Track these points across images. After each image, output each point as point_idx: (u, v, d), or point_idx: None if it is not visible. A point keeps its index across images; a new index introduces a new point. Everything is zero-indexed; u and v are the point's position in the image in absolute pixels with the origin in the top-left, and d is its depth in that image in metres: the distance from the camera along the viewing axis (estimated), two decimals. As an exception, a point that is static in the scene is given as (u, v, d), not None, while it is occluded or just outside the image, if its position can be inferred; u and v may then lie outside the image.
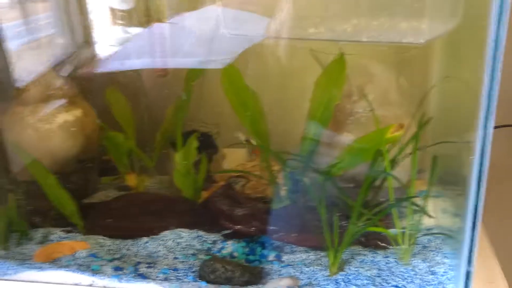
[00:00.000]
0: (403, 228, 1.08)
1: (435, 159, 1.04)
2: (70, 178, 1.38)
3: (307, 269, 1.10)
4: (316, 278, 1.07)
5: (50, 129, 1.30)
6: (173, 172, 1.29)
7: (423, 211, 1.06)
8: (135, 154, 1.34)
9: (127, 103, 1.41)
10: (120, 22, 1.70)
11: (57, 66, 1.60)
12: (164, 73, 1.37)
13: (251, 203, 1.26)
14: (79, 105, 1.37)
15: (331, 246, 1.04)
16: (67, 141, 1.33)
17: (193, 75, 1.28)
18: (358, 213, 1.04)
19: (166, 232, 1.24)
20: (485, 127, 0.81)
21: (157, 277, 1.10)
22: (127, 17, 1.71)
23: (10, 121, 1.31)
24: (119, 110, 1.39)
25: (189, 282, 1.09)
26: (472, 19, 0.86)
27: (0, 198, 1.26)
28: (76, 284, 1.10)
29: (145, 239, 1.24)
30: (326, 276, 1.06)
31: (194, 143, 1.19)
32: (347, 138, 1.21)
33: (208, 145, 1.40)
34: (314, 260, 1.15)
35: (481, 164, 0.87)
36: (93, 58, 1.74)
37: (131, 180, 1.33)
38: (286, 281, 1.07)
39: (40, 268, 1.12)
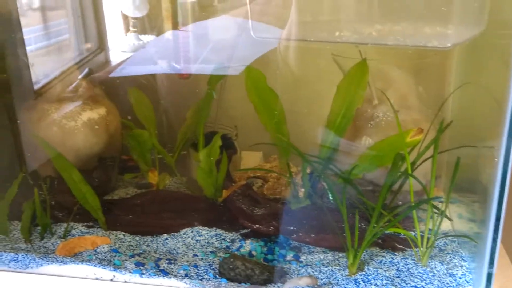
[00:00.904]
0: (421, 231, 1.10)
1: (457, 161, 1.05)
2: (92, 175, 1.41)
3: (325, 269, 1.12)
4: (335, 278, 1.08)
5: (75, 126, 1.33)
6: (196, 170, 1.31)
7: (442, 214, 1.07)
8: (158, 152, 1.36)
9: (149, 102, 1.44)
10: (133, 29, 1.77)
11: (74, 68, 1.65)
12: (186, 75, 1.40)
13: (270, 203, 1.28)
14: (103, 103, 1.40)
15: (351, 246, 1.06)
16: (91, 138, 1.36)
17: (216, 79, 1.30)
18: (378, 215, 1.06)
19: (186, 230, 1.26)
20: (510, 133, 0.83)
21: (177, 273, 1.12)
22: (140, 25, 1.77)
23: (36, 117, 1.35)
24: (141, 109, 1.41)
25: (209, 279, 1.11)
26: (497, 26, 0.88)
27: (24, 192, 1.29)
28: (97, 279, 1.12)
29: (165, 235, 1.26)
30: (345, 276, 1.07)
31: (218, 142, 1.21)
32: (366, 141, 1.23)
33: (227, 146, 1.42)
34: (332, 260, 1.16)
35: (504, 170, 0.88)
36: (107, 62, 1.79)
37: (153, 177, 1.35)
38: (305, 280, 1.09)
39: (62, 262, 1.15)
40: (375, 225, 1.07)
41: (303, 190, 1.33)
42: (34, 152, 1.43)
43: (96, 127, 1.36)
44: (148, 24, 1.81)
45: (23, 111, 1.39)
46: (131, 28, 1.78)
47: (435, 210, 1.11)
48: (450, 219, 1.12)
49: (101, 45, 1.79)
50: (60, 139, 1.34)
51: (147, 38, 1.79)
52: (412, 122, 1.21)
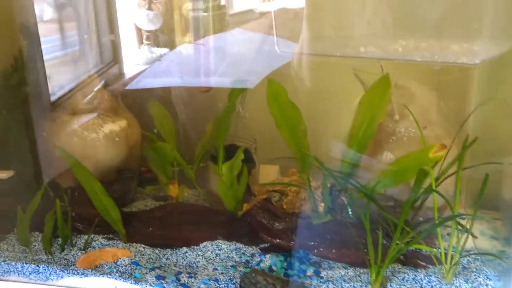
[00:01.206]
0: (444, 247, 1.09)
1: (486, 178, 1.04)
2: (112, 187, 1.42)
3: (347, 285, 1.10)
4: (358, 294, 1.07)
5: (96, 138, 1.35)
6: (215, 183, 1.32)
7: (468, 232, 1.06)
8: (179, 164, 1.36)
9: (169, 116, 1.45)
10: (146, 42, 1.79)
11: (90, 80, 1.67)
12: (207, 89, 1.41)
13: (290, 217, 1.27)
14: (124, 116, 1.42)
15: (374, 262, 1.05)
16: (111, 150, 1.37)
17: (237, 92, 1.31)
18: (401, 231, 1.05)
19: (206, 243, 1.26)
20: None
21: (198, 287, 1.11)
22: (153, 38, 1.79)
23: (57, 129, 1.36)
24: (161, 122, 1.42)
25: (230, 293, 1.10)
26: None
27: (43, 203, 1.30)
28: (117, 291, 1.13)
29: (184, 249, 1.26)
30: (368, 292, 1.07)
31: (241, 155, 1.21)
32: (387, 157, 1.23)
33: (247, 160, 1.42)
34: (354, 276, 1.15)
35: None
36: (121, 75, 1.81)
37: (174, 190, 1.36)
38: (327, 296, 1.08)
39: (83, 275, 1.15)
40: (398, 242, 1.07)
41: (322, 204, 1.33)
42: (54, 163, 1.44)
43: (117, 139, 1.38)
44: (161, 37, 1.84)
45: (44, 122, 1.41)
46: (144, 41, 1.81)
47: (460, 227, 1.09)
48: (475, 237, 1.11)
49: (115, 58, 1.82)
50: (80, 150, 1.35)
51: (160, 51, 1.82)
52: (434, 138, 1.21)
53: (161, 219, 1.29)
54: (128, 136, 1.39)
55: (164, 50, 1.81)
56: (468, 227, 1.11)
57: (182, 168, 1.37)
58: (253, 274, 1.11)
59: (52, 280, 1.17)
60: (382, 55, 0.97)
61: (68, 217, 1.25)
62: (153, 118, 1.44)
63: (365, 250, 1.18)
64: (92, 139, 1.34)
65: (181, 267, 1.22)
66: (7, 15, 1.43)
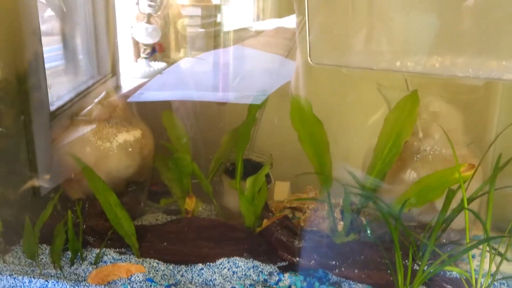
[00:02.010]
0: (466, 270, 1.06)
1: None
2: (121, 199, 1.36)
3: (367, 306, 1.07)
4: (384, 317, 1.04)
5: (110, 147, 1.30)
6: (228, 198, 1.28)
7: (503, 256, 1.03)
8: (196, 177, 1.32)
9: (183, 127, 1.41)
10: (144, 55, 1.77)
11: (88, 92, 1.63)
12: (223, 103, 1.39)
13: (309, 235, 1.24)
14: (138, 126, 1.37)
15: (403, 285, 1.01)
16: (124, 161, 1.32)
17: (256, 106, 1.28)
18: (430, 253, 1.02)
19: (222, 260, 1.21)
20: None
21: (217, 306, 1.07)
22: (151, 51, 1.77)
23: (70, 138, 1.31)
24: (174, 133, 1.38)
25: (250, 314, 1.06)
26: None
27: (54, 215, 1.25)
28: (132, 309, 1.07)
29: (200, 265, 1.21)
30: (397, 316, 1.03)
31: (266, 170, 1.18)
32: (411, 175, 1.20)
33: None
34: (374, 298, 1.12)
35: None
36: (118, 87, 1.78)
37: (190, 203, 1.31)
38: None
39: (95, 291, 1.10)
40: (426, 264, 1.04)
41: (342, 223, 1.30)
42: (62, 174, 1.39)
43: (130, 149, 1.33)
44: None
45: (55, 130, 1.37)
46: (142, 55, 1.79)
47: (493, 251, 1.07)
48: (509, 261, 1.08)
49: (113, 70, 1.77)
50: (92, 159, 1.31)
51: (158, 65, 1.80)
52: (460, 157, 1.19)
53: (176, 233, 1.24)
54: (142, 147, 1.35)
55: (162, 64, 1.79)
56: (496, 250, 1.09)
57: (199, 181, 1.33)
58: (275, 294, 1.07)
59: (62, 296, 1.12)
60: (420, 70, 0.95)
61: (80, 229, 1.20)
62: (167, 129, 1.40)
63: (388, 271, 1.15)
64: (105, 148, 1.30)
65: (197, 284, 1.17)
66: (20, 19, 1.40)
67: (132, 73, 1.78)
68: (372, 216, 1.27)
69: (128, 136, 1.32)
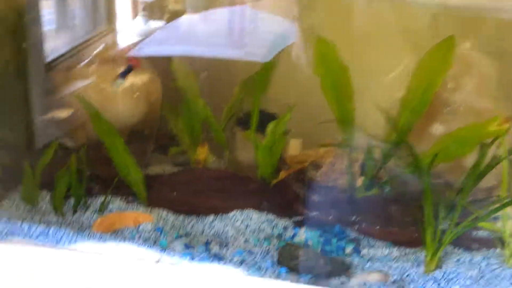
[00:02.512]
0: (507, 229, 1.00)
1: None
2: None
3: (395, 264, 1.01)
4: (409, 275, 0.97)
5: (115, 91, 1.21)
6: (241, 149, 1.20)
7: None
8: (210, 125, 1.24)
9: (193, 74, 1.32)
10: (142, 13, 1.65)
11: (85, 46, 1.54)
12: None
13: (327, 190, 1.17)
14: (145, 70, 1.28)
15: (432, 242, 0.95)
16: (130, 106, 1.23)
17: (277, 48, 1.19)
18: (461, 210, 0.96)
19: (235, 212, 1.14)
20: None
21: (232, 259, 1.00)
22: (149, 9, 1.67)
23: (74, 80, 1.22)
24: (184, 80, 1.29)
25: (267, 267, 1.00)
26: None
27: (57, 161, 1.17)
28: (140, 259, 1.00)
29: (211, 217, 1.14)
30: (421, 273, 0.97)
31: (288, 115, 1.09)
32: (440, 128, 1.13)
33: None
34: (399, 256, 1.06)
35: None
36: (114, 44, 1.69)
37: (202, 153, 1.23)
38: (376, 276, 0.98)
39: (101, 239, 1.02)
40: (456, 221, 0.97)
41: (361, 178, 1.23)
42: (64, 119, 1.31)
43: (137, 94, 1.24)
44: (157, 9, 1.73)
45: (57, 73, 1.27)
46: (140, 12, 1.70)
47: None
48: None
49: (110, 27, 1.68)
50: (97, 104, 1.21)
51: (156, 23, 1.71)
52: (492, 112, 1.11)
53: (187, 184, 1.16)
54: (149, 92, 1.26)
55: (160, 23, 1.71)
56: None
57: (211, 129, 1.24)
58: (294, 248, 1.01)
59: (64, 244, 1.03)
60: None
61: (83, 175, 1.12)
62: (176, 76, 1.30)
63: (412, 228, 1.10)
64: (110, 92, 1.21)
65: (208, 236, 1.10)
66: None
67: (129, 31, 1.69)
68: (394, 172, 1.21)
69: (135, 79, 1.23)
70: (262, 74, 1.20)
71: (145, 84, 1.25)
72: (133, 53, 1.52)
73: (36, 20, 1.36)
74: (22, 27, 1.30)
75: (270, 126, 1.10)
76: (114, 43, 1.69)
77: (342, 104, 1.13)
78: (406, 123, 1.11)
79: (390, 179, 1.17)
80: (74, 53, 1.54)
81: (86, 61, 1.45)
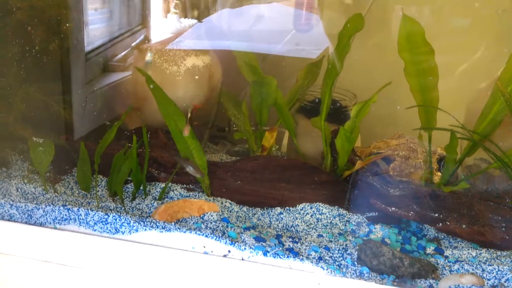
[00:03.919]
0: None
1: None
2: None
3: (489, 267, 0.91)
4: (509, 280, 0.88)
5: (177, 72, 1.13)
6: (302, 138, 1.11)
7: None
8: (278, 109, 1.15)
9: (255, 56, 1.23)
10: (174, 11, 1.61)
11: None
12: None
13: (404, 184, 1.08)
14: (207, 52, 1.20)
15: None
16: (192, 89, 1.16)
17: (351, 30, 1.10)
18: None
19: (304, 205, 1.06)
20: None
21: (308, 255, 0.92)
22: (181, 7, 1.61)
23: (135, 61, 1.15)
24: (250, 64, 1.20)
25: (347, 265, 0.91)
26: None
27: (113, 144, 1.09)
28: (206, 253, 0.91)
29: (278, 209, 1.06)
30: (523, 278, 0.87)
31: (374, 98, 1.00)
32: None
33: (345, 118, 1.21)
34: (491, 258, 0.96)
35: None
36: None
37: (269, 139, 1.14)
38: (470, 279, 0.88)
39: (164, 229, 0.94)
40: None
41: (439, 174, 1.13)
42: (118, 102, 1.24)
43: (198, 76, 1.16)
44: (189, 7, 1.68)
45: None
46: (172, 10, 1.65)
47: None
48: None
49: (144, 23, 1.65)
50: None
51: (188, 21, 1.65)
52: None
53: (252, 172, 1.08)
54: (210, 75, 1.18)
55: (192, 21, 1.65)
56: None
57: (281, 114, 1.14)
58: (378, 245, 0.92)
59: (123, 233, 0.95)
60: None
61: (146, 159, 1.04)
62: (238, 60, 1.22)
63: (503, 228, 1.00)
64: (172, 72, 1.13)
65: (277, 229, 1.02)
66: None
67: (162, 28, 1.64)
68: (475, 168, 1.11)
69: (198, 60, 1.15)
70: (336, 56, 1.10)
71: (207, 67, 1.17)
72: (172, 45, 1.47)
73: (78, 14, 1.34)
74: (66, 21, 1.27)
75: (356, 107, 1.01)
76: (149, 37, 1.66)
77: (425, 91, 1.03)
78: (497, 113, 1.02)
79: (474, 175, 1.08)
80: (110, 46, 1.51)
81: (122, 54, 1.41)
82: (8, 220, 1.00)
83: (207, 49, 1.22)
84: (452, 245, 1.03)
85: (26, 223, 0.99)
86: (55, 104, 1.22)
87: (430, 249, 1.00)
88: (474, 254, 0.98)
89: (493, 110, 1.01)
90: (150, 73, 1.14)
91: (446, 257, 0.98)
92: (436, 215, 1.01)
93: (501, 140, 1.06)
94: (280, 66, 1.38)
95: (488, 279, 0.89)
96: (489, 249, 0.98)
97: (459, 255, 0.98)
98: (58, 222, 0.99)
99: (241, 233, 0.96)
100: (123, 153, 1.04)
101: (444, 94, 1.11)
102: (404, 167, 1.19)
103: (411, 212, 1.02)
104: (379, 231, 1.03)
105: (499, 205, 1.00)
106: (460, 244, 1.02)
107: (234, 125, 1.30)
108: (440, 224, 1.01)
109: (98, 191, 1.08)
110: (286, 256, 0.88)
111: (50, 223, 0.98)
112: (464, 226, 1.00)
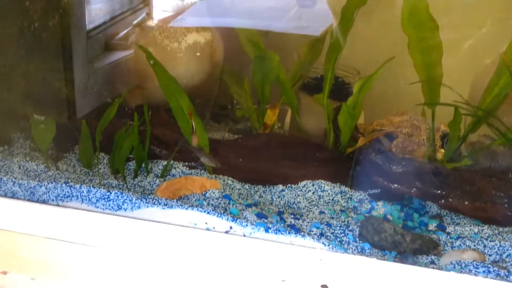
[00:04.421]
0: None
1: None
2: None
3: (491, 243, 0.91)
4: (510, 255, 0.88)
5: (178, 48, 1.12)
6: (305, 115, 1.11)
7: None
8: (281, 85, 1.14)
9: (256, 33, 1.22)
10: None
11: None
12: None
13: (407, 161, 1.07)
14: (208, 28, 1.18)
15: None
16: (193, 66, 1.15)
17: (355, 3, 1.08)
18: None
19: (306, 182, 1.06)
20: None
21: (310, 231, 0.92)
22: None
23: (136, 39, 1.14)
24: (252, 40, 1.18)
25: (349, 241, 0.91)
26: None
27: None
28: (208, 229, 0.92)
29: (280, 186, 1.06)
30: (524, 254, 0.87)
31: (377, 73, 0.99)
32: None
33: (347, 95, 1.20)
34: (493, 235, 0.96)
35: None
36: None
37: (271, 116, 1.14)
38: (471, 254, 0.88)
39: (166, 205, 0.94)
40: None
41: (441, 151, 1.13)
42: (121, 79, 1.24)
43: (199, 53, 1.15)
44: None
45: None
46: None
47: None
48: None
49: (145, 1, 1.60)
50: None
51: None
52: None
53: (253, 150, 1.08)
54: (212, 52, 1.17)
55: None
56: None
57: (284, 91, 1.13)
58: (379, 221, 0.92)
59: (125, 210, 0.96)
60: None
61: (147, 136, 1.04)
62: (239, 35, 1.21)
63: (505, 204, 0.99)
64: (173, 49, 1.12)
65: (279, 206, 1.02)
66: None
67: (163, 6, 1.61)
68: (479, 145, 1.10)
69: (199, 37, 1.14)
70: (339, 30, 1.09)
71: (208, 43, 1.16)
72: (174, 23, 1.45)
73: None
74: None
75: (358, 83, 1.00)
76: (150, 15, 1.64)
77: (429, 67, 1.02)
78: (502, 88, 1.00)
79: (477, 152, 1.07)
80: (111, 24, 1.49)
81: (127, 29, 1.39)
82: (11, 197, 1.01)
83: (208, 26, 1.21)
84: (454, 222, 1.03)
85: (29, 200, 1.00)
86: (57, 82, 1.22)
87: (432, 225, 1.00)
88: (476, 231, 0.98)
89: (498, 85, 1.00)
90: (152, 49, 1.13)
91: (448, 233, 0.98)
92: (439, 191, 1.01)
93: (505, 116, 1.05)
94: (283, 43, 1.36)
95: (490, 255, 0.89)
96: (491, 226, 0.98)
97: (461, 232, 0.98)
98: (61, 199, 0.99)
99: (243, 210, 0.96)
100: (124, 130, 1.04)
101: (450, 70, 1.10)
102: (407, 144, 1.18)
103: (414, 189, 1.02)
104: (381, 208, 1.03)
105: (502, 181, 1.00)
106: (463, 221, 1.03)
107: (237, 103, 1.30)
108: (443, 201, 1.01)
109: (100, 168, 1.08)
110: (287, 232, 0.88)
111: (53, 200, 0.99)
112: (466, 202, 1.00)
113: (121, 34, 1.44)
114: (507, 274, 0.81)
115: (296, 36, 1.29)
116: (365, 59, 1.22)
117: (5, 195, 1.01)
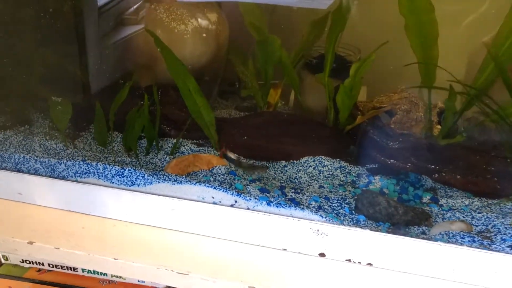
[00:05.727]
0: None
1: None
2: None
3: (478, 215, 0.97)
4: (495, 226, 0.94)
5: (184, 30, 1.17)
6: (307, 94, 1.16)
7: None
8: (284, 67, 1.18)
9: (261, 12, 1.26)
10: None
11: None
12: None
13: (404, 137, 1.12)
14: (214, 10, 1.23)
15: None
16: (200, 47, 1.20)
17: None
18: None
19: (307, 158, 1.12)
20: None
21: (309, 204, 0.99)
22: None
23: (144, 20, 1.19)
24: (257, 22, 1.23)
25: (345, 214, 0.98)
26: None
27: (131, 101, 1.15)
28: (215, 203, 1.00)
29: (283, 162, 1.13)
30: (508, 224, 0.93)
31: (373, 56, 1.04)
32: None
33: (345, 72, 1.25)
34: (482, 207, 1.02)
35: None
36: None
37: (274, 96, 1.19)
38: (459, 225, 0.95)
39: (176, 181, 1.02)
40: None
41: (438, 127, 1.18)
42: (130, 59, 1.29)
43: (205, 34, 1.20)
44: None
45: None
46: None
47: None
48: None
49: None
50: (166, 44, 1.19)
51: None
52: None
53: (258, 128, 1.14)
54: (218, 33, 1.21)
55: None
56: None
57: (286, 71, 1.18)
58: (374, 195, 0.98)
59: (139, 185, 1.04)
60: None
61: (157, 116, 1.11)
62: (243, 14, 1.25)
63: (495, 178, 1.05)
64: (180, 31, 1.17)
65: (281, 181, 1.09)
66: None
67: None
68: (474, 121, 1.15)
69: (204, 19, 1.18)
70: (341, 10, 1.12)
71: (213, 24, 1.20)
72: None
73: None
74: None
75: (354, 66, 1.04)
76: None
77: (426, 48, 1.06)
78: (495, 69, 1.04)
79: (472, 128, 1.12)
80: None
81: (133, 8, 1.42)
82: (34, 174, 1.09)
83: (214, 6, 1.25)
84: (448, 195, 1.09)
85: (50, 176, 1.08)
86: (69, 61, 1.27)
87: (426, 198, 1.07)
88: (466, 203, 1.04)
89: (491, 65, 1.03)
90: (160, 31, 1.18)
91: (441, 205, 1.04)
92: (433, 166, 1.07)
93: (499, 94, 1.09)
94: (290, 18, 1.40)
95: (476, 226, 0.96)
96: (481, 198, 1.04)
97: (453, 204, 1.04)
98: (79, 176, 1.07)
99: (247, 185, 1.03)
100: (136, 110, 1.11)
101: (449, 47, 1.14)
102: (406, 120, 1.23)
103: (409, 164, 1.08)
104: (378, 182, 1.09)
105: (493, 156, 1.05)
106: (455, 194, 1.08)
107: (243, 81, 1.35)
108: (436, 175, 1.07)
109: (114, 146, 1.16)
110: (288, 205, 0.96)
111: (72, 176, 1.07)
112: (458, 176, 1.05)
113: (132, 9, 1.48)
114: (489, 243, 0.87)
115: (303, 10, 1.32)
116: (368, 37, 1.27)
117: (29, 172, 1.10)
